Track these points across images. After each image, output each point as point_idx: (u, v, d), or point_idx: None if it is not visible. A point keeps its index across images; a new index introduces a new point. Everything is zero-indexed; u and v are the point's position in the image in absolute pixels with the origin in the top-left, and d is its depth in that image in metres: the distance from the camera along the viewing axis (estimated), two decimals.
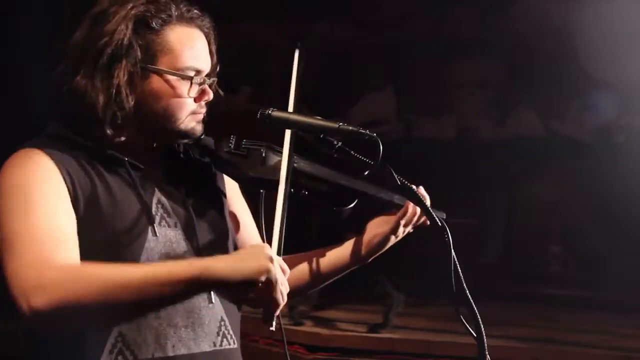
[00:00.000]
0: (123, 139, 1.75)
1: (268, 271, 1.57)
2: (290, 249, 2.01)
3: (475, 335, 1.80)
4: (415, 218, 1.95)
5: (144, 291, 1.52)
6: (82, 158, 1.70)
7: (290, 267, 1.96)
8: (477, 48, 6.59)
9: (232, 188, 1.94)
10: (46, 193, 1.61)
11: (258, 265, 1.57)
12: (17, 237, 1.56)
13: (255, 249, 1.63)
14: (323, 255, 1.99)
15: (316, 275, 1.99)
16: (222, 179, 1.92)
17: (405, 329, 4.70)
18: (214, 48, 1.81)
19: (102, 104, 1.68)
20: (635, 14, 5.70)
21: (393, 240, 1.97)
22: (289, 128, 1.81)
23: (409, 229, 1.98)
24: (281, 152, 1.82)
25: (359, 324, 4.73)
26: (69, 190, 1.64)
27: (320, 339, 4.49)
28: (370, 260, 1.99)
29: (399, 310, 4.77)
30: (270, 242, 1.71)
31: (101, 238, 1.65)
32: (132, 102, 1.70)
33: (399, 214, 1.94)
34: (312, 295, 5.05)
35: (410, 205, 1.93)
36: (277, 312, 1.62)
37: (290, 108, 1.85)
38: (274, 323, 1.64)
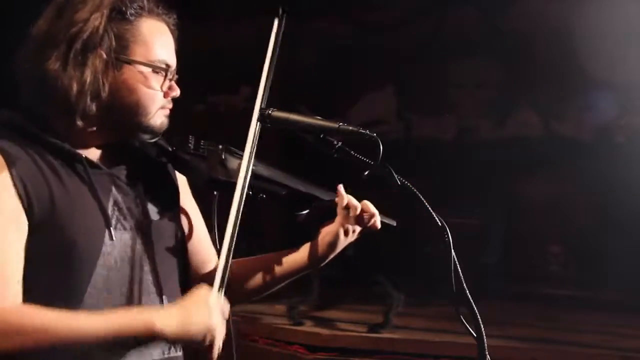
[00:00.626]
0: (86, 132, 1.71)
1: (212, 332, 1.62)
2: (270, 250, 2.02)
3: (475, 335, 1.80)
4: (358, 212, 1.91)
5: (87, 342, 1.56)
6: (37, 154, 1.65)
7: (246, 269, 1.97)
8: (477, 48, 6.59)
9: (182, 185, 1.92)
10: None
11: (204, 327, 1.62)
12: None
13: (199, 301, 1.65)
14: (278, 258, 1.97)
15: (270, 279, 1.97)
16: (176, 178, 1.90)
17: (405, 329, 4.70)
18: (177, 48, 1.79)
19: (75, 92, 1.65)
20: (635, 14, 5.70)
21: (343, 239, 1.93)
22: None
23: (358, 228, 1.94)
24: (239, 155, 1.82)
25: (359, 324, 4.73)
26: (20, 197, 1.60)
27: (320, 339, 4.49)
28: (324, 263, 1.97)
29: (399, 310, 4.77)
30: (220, 246, 1.73)
31: (58, 242, 1.63)
32: (107, 92, 1.69)
33: (338, 203, 1.91)
34: (312, 295, 5.06)
35: (342, 194, 1.90)
36: None
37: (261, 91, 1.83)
38: None
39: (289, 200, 1.91)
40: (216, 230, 1.85)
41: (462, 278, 1.81)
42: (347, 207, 1.90)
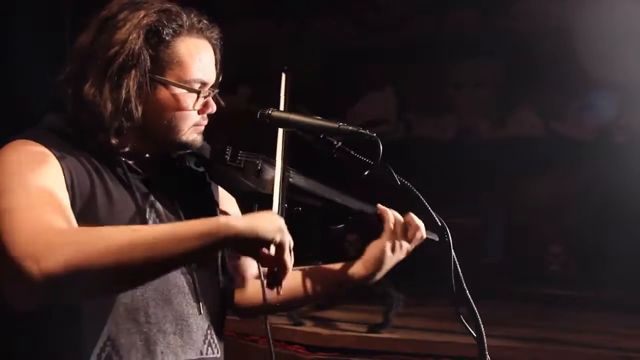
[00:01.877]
0: (121, 146, 1.74)
1: (282, 233, 1.53)
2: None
3: (475, 335, 1.80)
4: (403, 229, 1.93)
5: (160, 247, 1.44)
6: (81, 155, 1.68)
7: (291, 280, 1.97)
8: (477, 48, 6.59)
9: (226, 197, 1.94)
10: (43, 171, 1.59)
11: (274, 226, 1.52)
12: (15, 210, 1.50)
13: (268, 213, 1.58)
14: (324, 272, 1.99)
15: (312, 292, 1.98)
16: (217, 187, 1.92)
17: (405, 329, 4.70)
18: (218, 58, 1.81)
19: (109, 113, 1.67)
20: (635, 14, 5.70)
21: (391, 255, 1.95)
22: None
23: (407, 245, 1.96)
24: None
25: (359, 324, 4.72)
26: (66, 182, 1.62)
27: (320, 339, 4.49)
28: (372, 280, 1.98)
29: (399, 310, 4.77)
30: None
31: None
32: (140, 112, 1.70)
33: (386, 221, 1.93)
34: None
35: (388, 211, 1.93)
36: (284, 278, 1.57)
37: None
38: (280, 288, 1.60)
39: (325, 213, 1.91)
40: None
41: (462, 278, 1.81)
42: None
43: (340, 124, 1.76)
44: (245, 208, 1.87)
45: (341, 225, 1.93)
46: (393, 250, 1.95)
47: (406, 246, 1.96)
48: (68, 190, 1.62)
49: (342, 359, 4.38)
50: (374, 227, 1.95)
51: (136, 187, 1.73)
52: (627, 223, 5.72)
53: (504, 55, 6.63)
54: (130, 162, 1.75)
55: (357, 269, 1.97)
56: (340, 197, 1.91)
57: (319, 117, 1.78)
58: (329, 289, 1.99)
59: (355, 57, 6.85)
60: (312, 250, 2.03)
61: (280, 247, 1.53)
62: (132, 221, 1.69)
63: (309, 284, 1.98)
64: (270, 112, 1.78)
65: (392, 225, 1.93)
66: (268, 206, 1.74)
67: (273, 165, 1.83)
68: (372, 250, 1.97)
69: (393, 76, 6.95)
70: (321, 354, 4.39)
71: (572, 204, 6.42)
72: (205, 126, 1.82)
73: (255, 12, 6.61)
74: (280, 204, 1.72)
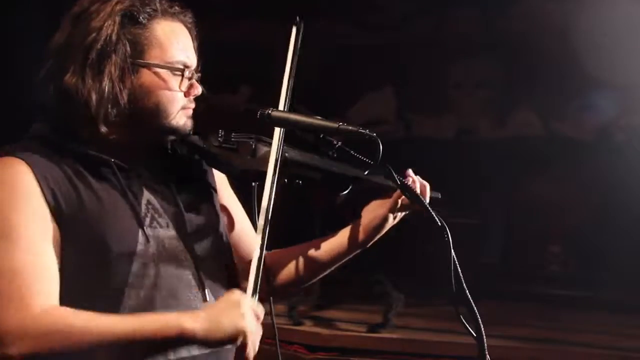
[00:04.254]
0: (112, 137, 1.73)
1: (243, 334, 1.61)
2: (294, 238, 2.01)
3: (475, 335, 1.80)
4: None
5: (119, 347, 1.54)
6: (66, 164, 1.67)
7: (287, 260, 1.97)
8: (477, 48, 6.59)
9: (221, 182, 1.93)
10: (26, 219, 1.59)
11: (234, 329, 1.61)
12: None
13: (230, 305, 1.63)
14: (320, 245, 1.97)
15: (315, 266, 1.97)
16: (212, 173, 1.92)
17: (405, 329, 4.70)
18: (196, 45, 1.81)
19: (95, 101, 1.67)
20: (635, 14, 5.70)
21: (391, 222, 1.95)
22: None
23: (405, 211, 1.96)
24: (271, 143, 1.82)
25: (359, 324, 4.73)
26: (49, 205, 1.62)
27: (320, 339, 4.49)
28: (369, 245, 1.98)
29: (399, 310, 4.77)
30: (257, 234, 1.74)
31: (92, 246, 1.64)
32: (126, 98, 1.70)
33: (397, 192, 1.91)
34: (312, 295, 5.06)
35: (414, 179, 1.91)
36: None
37: (284, 89, 1.84)
38: None
39: (326, 183, 1.90)
40: (257, 220, 1.83)
41: (462, 278, 1.81)
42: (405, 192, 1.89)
43: (340, 123, 1.76)
44: (245, 187, 1.87)
45: (343, 193, 1.93)
46: (395, 217, 1.94)
47: (404, 212, 1.95)
48: (53, 215, 1.62)
49: (342, 359, 4.39)
50: (377, 194, 1.94)
51: (127, 186, 1.71)
52: (627, 223, 5.72)
53: (504, 55, 6.62)
54: (120, 160, 1.73)
55: (354, 237, 1.95)
56: (338, 166, 1.90)
57: (319, 117, 1.78)
58: (327, 261, 1.97)
59: (355, 57, 6.84)
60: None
61: (242, 347, 1.63)
62: (126, 221, 1.68)
63: (304, 262, 1.97)
64: (270, 111, 1.78)
65: (398, 194, 1.90)
66: (264, 182, 1.75)
67: (266, 143, 1.84)
68: (373, 216, 1.94)
69: (393, 76, 6.94)
70: (321, 354, 4.40)
71: (572, 204, 6.41)
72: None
73: (255, 12, 6.60)
74: (265, 226, 1.72)
